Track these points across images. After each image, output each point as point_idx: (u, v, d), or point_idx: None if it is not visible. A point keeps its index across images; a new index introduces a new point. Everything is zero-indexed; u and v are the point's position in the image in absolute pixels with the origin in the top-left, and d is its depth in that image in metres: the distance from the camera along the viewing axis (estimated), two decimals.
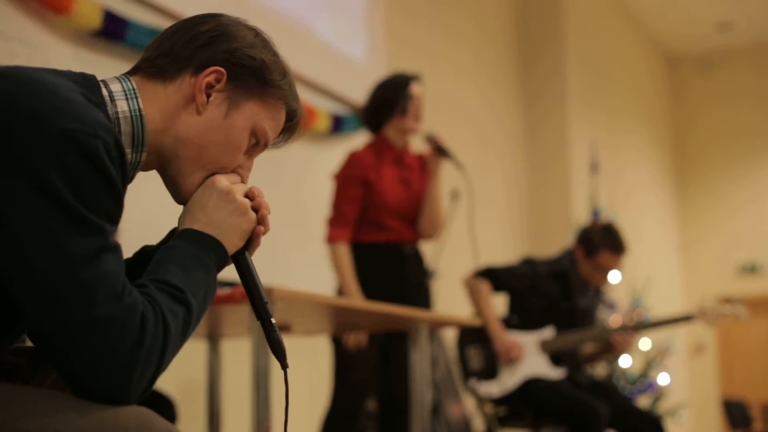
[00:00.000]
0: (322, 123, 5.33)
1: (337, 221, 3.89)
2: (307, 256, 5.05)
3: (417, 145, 4.28)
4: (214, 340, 3.72)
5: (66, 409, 1.26)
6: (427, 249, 5.96)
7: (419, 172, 4.03)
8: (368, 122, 4.04)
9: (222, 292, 2.59)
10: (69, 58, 3.96)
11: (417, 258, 4.01)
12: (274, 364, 2.79)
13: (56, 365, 1.28)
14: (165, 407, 3.34)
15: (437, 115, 7.05)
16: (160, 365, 1.31)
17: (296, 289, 2.80)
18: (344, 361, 3.84)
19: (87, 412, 1.26)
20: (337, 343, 3.86)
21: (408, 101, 3.91)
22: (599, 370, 7.07)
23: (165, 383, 3.87)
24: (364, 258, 3.89)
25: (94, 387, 1.27)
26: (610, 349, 4.75)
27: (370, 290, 3.80)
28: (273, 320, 1.50)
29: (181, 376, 4.45)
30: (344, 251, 3.84)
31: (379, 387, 3.95)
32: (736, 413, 7.90)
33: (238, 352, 4.57)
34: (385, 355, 3.91)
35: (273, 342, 1.50)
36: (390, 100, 3.92)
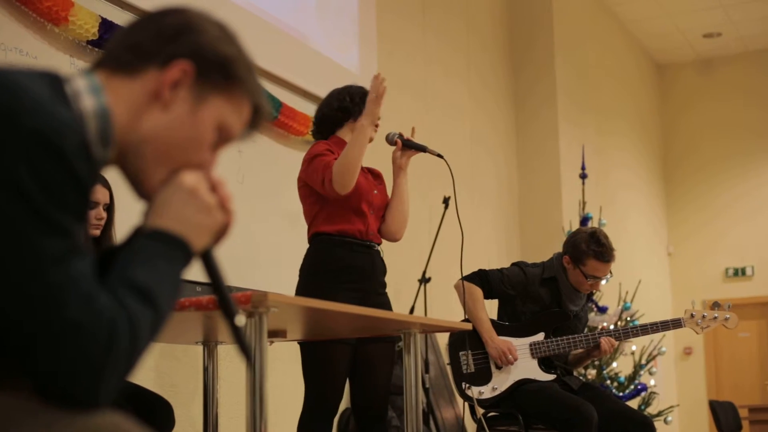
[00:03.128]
0: None
1: (325, 169, 3.74)
2: (296, 259, 5.10)
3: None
4: (209, 345, 3.75)
5: (39, 419, 1.24)
6: (420, 253, 6.01)
7: (374, 178, 3.99)
8: (324, 126, 3.96)
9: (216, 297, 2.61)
10: (66, 67, 4.01)
11: (380, 256, 3.94)
12: (270, 368, 2.84)
13: (24, 369, 1.25)
14: (163, 411, 3.37)
15: (429, 116, 7.11)
16: (128, 368, 1.29)
17: (290, 296, 2.82)
18: (316, 365, 3.78)
19: (61, 421, 1.24)
20: (307, 347, 3.80)
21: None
22: (589, 373, 7.14)
23: (161, 388, 3.92)
24: (334, 247, 3.80)
25: (63, 392, 1.24)
26: (599, 353, 4.78)
27: (337, 289, 3.73)
28: (241, 318, 1.50)
29: (177, 381, 4.49)
30: (333, 167, 3.69)
31: (353, 394, 3.90)
32: (724, 415, 7.96)
33: (234, 357, 4.62)
34: (358, 361, 3.85)
35: (243, 341, 1.50)
36: (347, 104, 3.90)
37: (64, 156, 1.24)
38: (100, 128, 1.36)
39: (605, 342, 4.68)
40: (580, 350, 4.82)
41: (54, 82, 1.34)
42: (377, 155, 4.39)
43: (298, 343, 3.85)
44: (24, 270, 1.22)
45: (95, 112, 1.36)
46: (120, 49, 1.44)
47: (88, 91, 1.37)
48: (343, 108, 3.93)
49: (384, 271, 3.96)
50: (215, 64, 1.44)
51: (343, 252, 3.81)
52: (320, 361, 3.77)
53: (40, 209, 1.23)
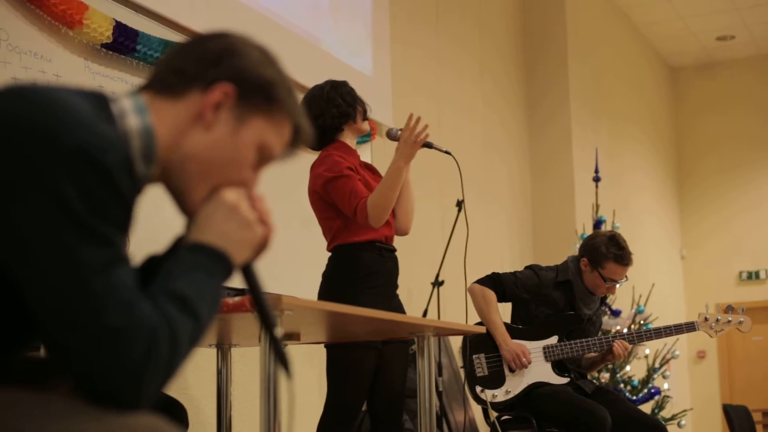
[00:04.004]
0: None
1: (350, 202, 3.72)
2: (313, 263, 5.09)
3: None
4: (223, 348, 3.75)
5: (78, 415, 1.30)
6: (433, 256, 6.00)
7: (375, 179, 3.99)
8: (328, 134, 3.91)
9: (231, 300, 2.62)
10: (81, 70, 4.01)
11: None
12: (283, 372, 2.83)
13: (69, 373, 1.31)
14: (177, 413, 3.37)
15: (442, 119, 7.10)
16: (168, 375, 1.34)
17: (304, 298, 2.82)
18: (342, 368, 3.79)
19: (99, 418, 1.29)
20: (334, 349, 3.82)
21: (364, 104, 3.94)
22: (603, 376, 7.12)
23: (175, 391, 3.92)
24: (364, 253, 3.81)
25: (105, 396, 1.30)
26: (612, 357, 4.77)
27: (362, 293, 3.75)
28: (277, 330, 1.55)
29: (191, 383, 4.50)
30: (369, 201, 3.66)
31: (369, 395, 3.89)
32: (737, 419, 7.92)
33: (247, 359, 4.62)
34: (380, 362, 3.86)
35: (281, 353, 1.55)
36: (346, 108, 3.89)
37: (107, 171, 1.30)
38: (144, 146, 1.43)
39: (618, 346, 4.67)
40: (594, 354, 4.81)
41: (100, 101, 1.41)
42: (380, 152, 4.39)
43: (324, 345, 3.85)
44: (67, 279, 1.28)
45: (139, 131, 1.43)
46: (165, 72, 1.50)
47: (133, 111, 1.44)
48: (343, 113, 3.90)
49: (397, 274, 3.99)
50: (256, 86, 1.50)
51: (374, 258, 3.82)
52: (348, 363, 3.77)
53: (84, 221, 1.28)
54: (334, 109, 3.88)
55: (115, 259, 1.31)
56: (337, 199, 3.77)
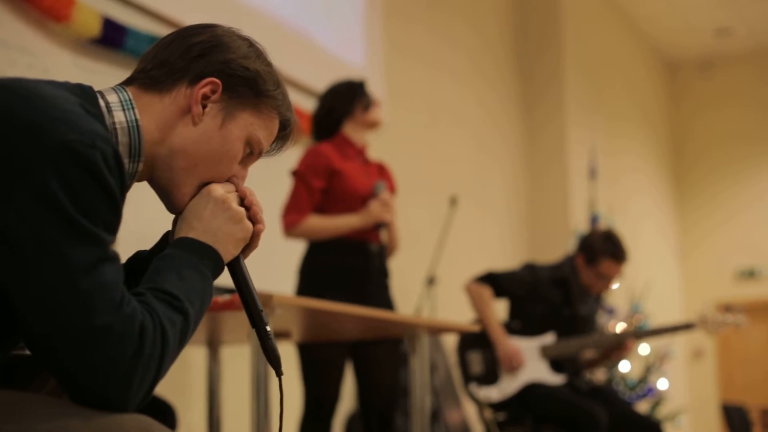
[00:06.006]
0: None
1: (292, 209, 3.84)
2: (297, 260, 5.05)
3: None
4: (213, 346, 3.72)
5: (67, 416, 1.28)
6: (427, 254, 5.97)
7: (378, 175, 4.03)
8: (324, 125, 4.00)
9: (221, 298, 2.60)
10: (68, 65, 3.97)
11: (381, 256, 3.93)
12: (273, 370, 2.79)
13: (55, 374, 1.29)
14: (166, 414, 3.34)
15: (435, 120, 7.05)
16: (158, 374, 1.33)
17: (295, 297, 2.79)
18: (311, 367, 3.81)
19: (88, 419, 1.28)
20: (303, 349, 3.83)
21: (370, 97, 3.99)
22: (599, 375, 7.08)
23: (165, 390, 3.88)
24: (328, 255, 3.85)
25: (93, 396, 1.28)
26: (609, 355, 4.75)
27: (332, 289, 3.75)
28: (269, 328, 1.53)
29: (180, 382, 4.45)
30: (311, 221, 3.80)
31: (360, 395, 3.92)
32: (735, 418, 7.89)
33: (238, 358, 4.58)
34: (360, 364, 3.88)
35: (268, 350, 1.52)
36: (349, 99, 3.96)
37: (94, 167, 1.28)
38: (131, 142, 1.42)
39: (619, 344, 4.67)
40: (593, 353, 4.79)
41: (87, 96, 1.40)
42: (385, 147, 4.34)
43: (297, 345, 3.86)
44: (55, 278, 1.26)
45: (126, 126, 1.42)
46: (150, 66, 1.49)
47: (120, 106, 1.43)
48: (334, 109, 3.98)
49: (383, 271, 3.94)
50: (243, 80, 1.50)
51: (331, 254, 3.85)
52: (315, 362, 3.80)
53: (71, 219, 1.26)
54: (326, 105, 4.00)
55: (104, 258, 1.30)
56: (290, 194, 3.89)
